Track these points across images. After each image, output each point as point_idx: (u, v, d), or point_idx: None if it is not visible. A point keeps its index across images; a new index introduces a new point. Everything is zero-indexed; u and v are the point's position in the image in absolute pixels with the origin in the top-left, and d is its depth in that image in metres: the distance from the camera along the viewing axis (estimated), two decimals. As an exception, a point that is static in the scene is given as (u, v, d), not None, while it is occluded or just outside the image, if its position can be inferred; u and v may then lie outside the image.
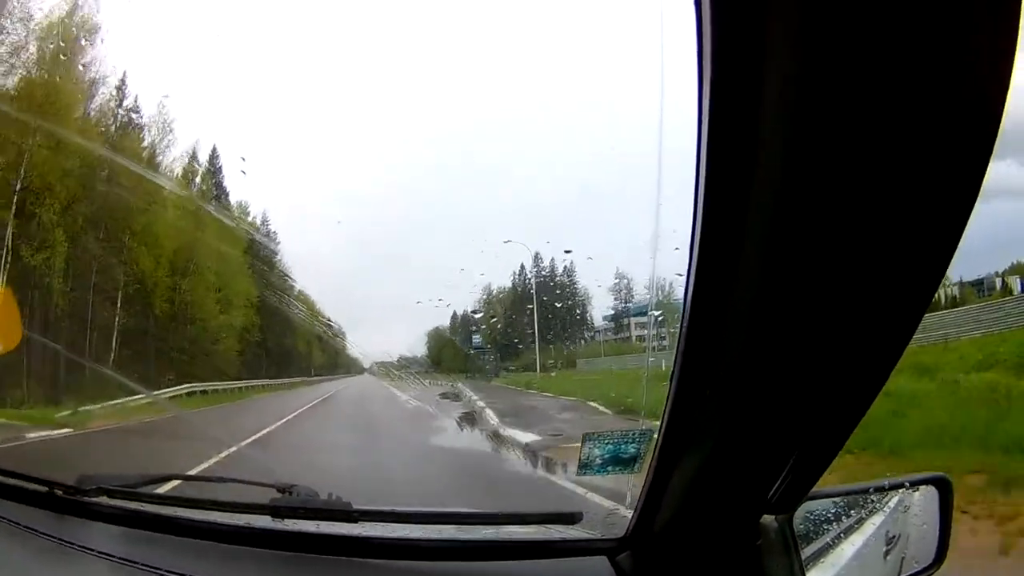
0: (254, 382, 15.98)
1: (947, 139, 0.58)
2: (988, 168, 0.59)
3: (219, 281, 15.86)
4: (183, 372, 13.54)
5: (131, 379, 10.19)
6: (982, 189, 0.59)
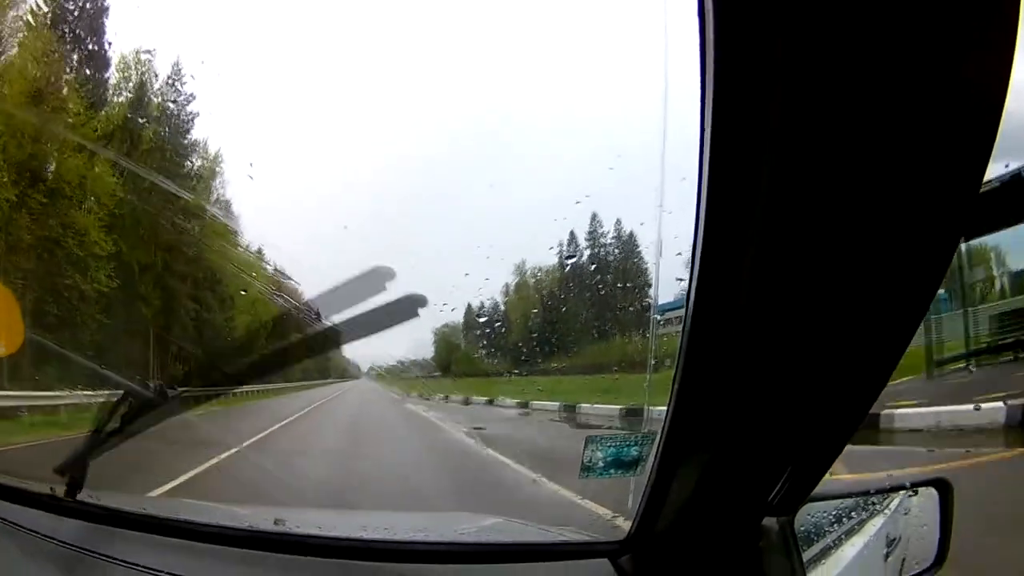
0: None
1: (945, 149, 0.59)
2: (983, 178, 0.60)
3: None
4: None
5: None
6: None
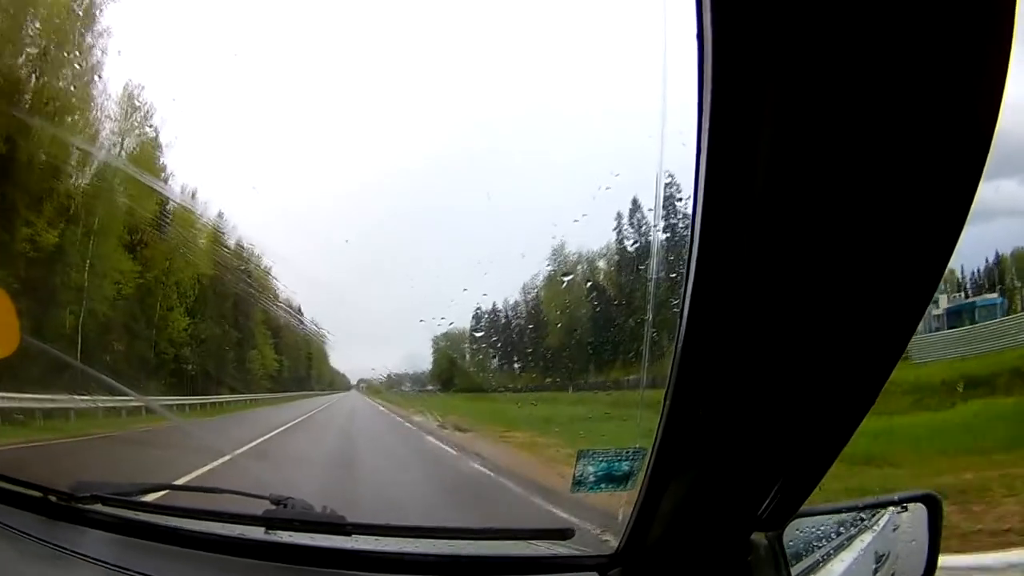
0: None
1: (941, 156, 0.60)
2: (979, 185, 0.60)
3: None
4: None
5: None
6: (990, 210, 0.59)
